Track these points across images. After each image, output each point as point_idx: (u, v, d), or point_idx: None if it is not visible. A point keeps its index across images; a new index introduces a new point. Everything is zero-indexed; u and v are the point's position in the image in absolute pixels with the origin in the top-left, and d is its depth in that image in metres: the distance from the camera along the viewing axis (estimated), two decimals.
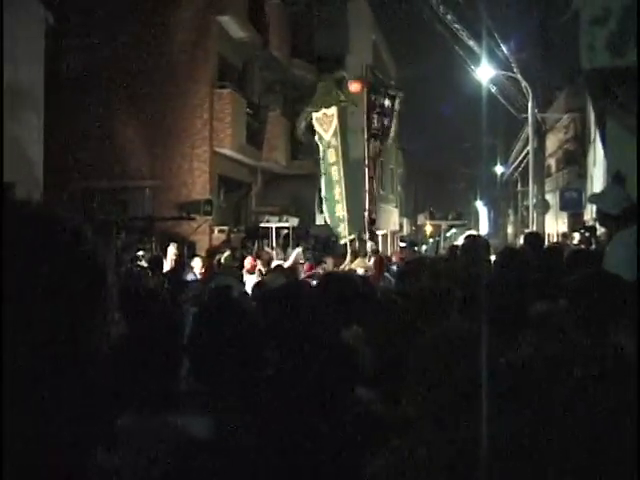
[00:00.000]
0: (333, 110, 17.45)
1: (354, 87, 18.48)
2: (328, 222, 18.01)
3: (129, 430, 2.22)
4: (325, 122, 17.54)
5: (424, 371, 2.52)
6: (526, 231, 29.89)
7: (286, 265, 14.86)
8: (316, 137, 17.86)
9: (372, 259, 15.40)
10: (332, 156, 17.50)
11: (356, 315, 4.43)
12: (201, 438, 2.36)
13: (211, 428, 2.44)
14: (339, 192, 17.39)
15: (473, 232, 32.29)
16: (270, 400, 2.88)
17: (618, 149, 11.26)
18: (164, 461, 2.18)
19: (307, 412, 2.88)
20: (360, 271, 14.40)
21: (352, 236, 17.37)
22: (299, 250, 17.42)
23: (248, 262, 13.82)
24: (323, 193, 17.96)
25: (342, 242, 17.78)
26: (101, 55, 22.80)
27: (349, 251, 16.69)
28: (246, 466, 2.42)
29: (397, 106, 18.74)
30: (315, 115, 17.75)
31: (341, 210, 17.39)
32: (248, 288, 12.57)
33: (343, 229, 17.44)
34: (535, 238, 9.44)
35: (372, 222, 20.43)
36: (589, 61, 10.69)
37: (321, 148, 17.73)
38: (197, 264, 13.68)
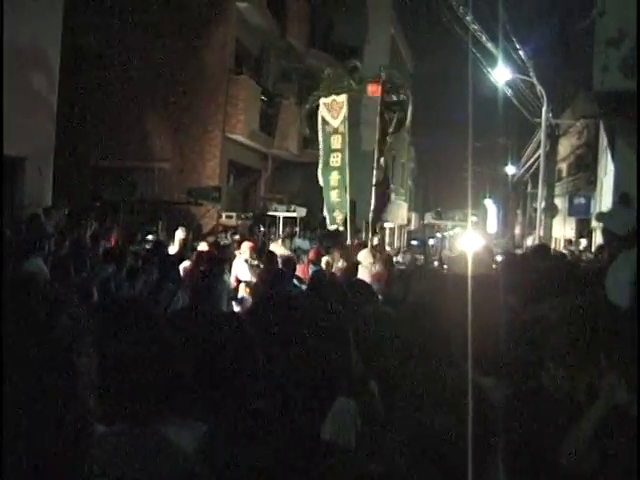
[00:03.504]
0: (343, 97, 17.43)
1: (372, 90, 18.26)
2: (324, 207, 17.91)
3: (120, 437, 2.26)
4: (334, 108, 17.50)
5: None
6: (533, 234, 29.90)
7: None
8: (319, 122, 17.77)
9: (377, 256, 15.29)
10: (337, 142, 17.46)
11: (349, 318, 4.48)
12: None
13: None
14: (336, 178, 17.35)
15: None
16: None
17: (627, 169, 11.20)
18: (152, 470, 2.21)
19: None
20: (366, 264, 14.38)
21: (340, 228, 17.31)
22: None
23: (246, 247, 13.49)
24: (320, 179, 17.82)
25: (331, 228, 17.81)
26: (118, 35, 22.91)
27: (348, 241, 16.68)
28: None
29: (409, 103, 18.54)
30: (323, 100, 17.66)
31: (336, 197, 17.37)
32: (243, 273, 12.60)
33: (337, 215, 17.44)
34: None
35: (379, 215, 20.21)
36: (602, 82, 10.67)
37: (322, 134, 17.67)
38: (202, 248, 13.76)
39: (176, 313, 3.34)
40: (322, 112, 17.63)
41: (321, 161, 17.70)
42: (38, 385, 1.51)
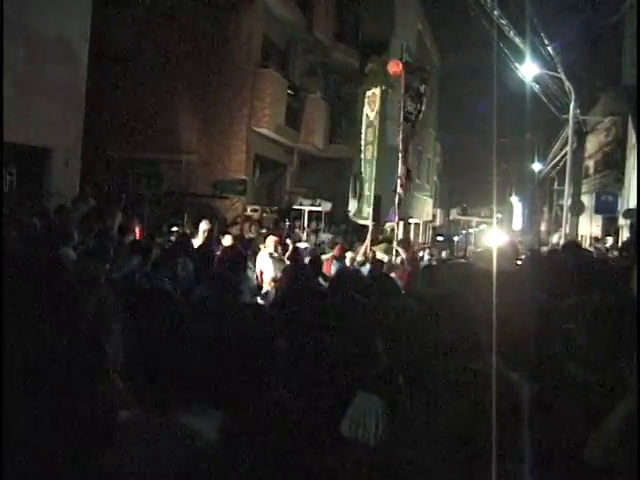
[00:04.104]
0: (378, 91, 17.58)
1: (393, 68, 18.27)
2: (354, 200, 17.98)
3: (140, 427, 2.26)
4: (372, 101, 17.67)
5: None
6: (559, 231, 29.73)
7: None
8: (363, 116, 17.93)
9: (402, 251, 15.24)
10: (370, 135, 17.61)
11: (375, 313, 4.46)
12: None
13: None
14: (369, 171, 17.43)
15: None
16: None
17: None
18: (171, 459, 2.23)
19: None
20: (383, 257, 14.36)
21: (368, 221, 17.25)
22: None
23: (270, 241, 13.42)
24: (362, 172, 17.94)
25: (360, 222, 17.86)
26: (146, 28, 23.00)
27: (369, 233, 16.68)
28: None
29: (427, 90, 18.49)
30: (367, 93, 17.87)
31: (367, 190, 17.42)
32: (267, 268, 12.59)
33: (364, 209, 17.46)
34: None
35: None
36: (631, 77, 10.58)
37: (364, 127, 17.81)
38: (226, 240, 13.79)
39: (200, 304, 3.34)
40: (366, 105, 17.83)
41: (362, 154, 17.86)
42: (68, 361, 1.53)
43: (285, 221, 23.81)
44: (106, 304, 1.62)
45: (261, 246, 13.74)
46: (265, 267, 12.56)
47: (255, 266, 12.53)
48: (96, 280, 1.71)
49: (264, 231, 19.19)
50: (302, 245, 15.97)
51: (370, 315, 4.59)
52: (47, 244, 8.98)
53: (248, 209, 22.85)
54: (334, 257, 14.28)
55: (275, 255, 12.94)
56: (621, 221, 24.58)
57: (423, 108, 17.89)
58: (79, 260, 8.96)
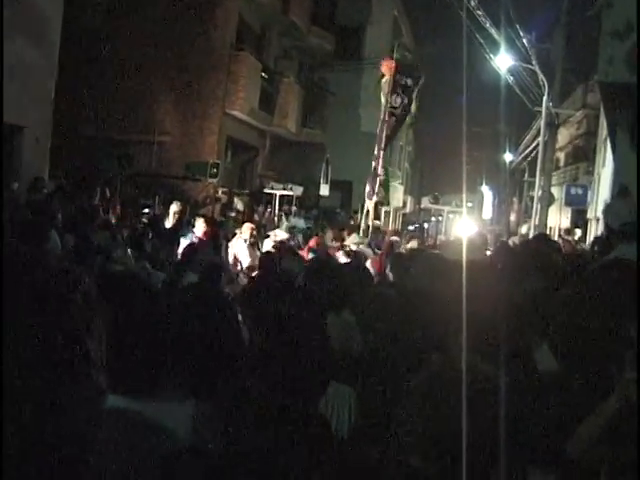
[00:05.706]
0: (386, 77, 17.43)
1: (386, 67, 18.12)
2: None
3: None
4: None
5: None
6: (528, 222, 29.92)
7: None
8: (382, 99, 17.75)
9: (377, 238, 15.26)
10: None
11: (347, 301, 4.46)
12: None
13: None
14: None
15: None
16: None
17: (626, 162, 11.08)
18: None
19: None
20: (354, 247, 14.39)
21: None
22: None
23: (247, 228, 13.39)
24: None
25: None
26: (120, 8, 22.79)
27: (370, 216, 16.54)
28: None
29: (417, 88, 18.40)
30: (384, 79, 17.68)
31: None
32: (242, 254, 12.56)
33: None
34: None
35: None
36: (606, 74, 10.59)
37: (382, 111, 17.58)
38: (199, 224, 13.74)
39: (186, 289, 3.32)
40: (383, 89, 17.64)
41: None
42: (52, 365, 1.51)
43: (267, 207, 23.87)
44: (88, 300, 1.60)
45: (237, 231, 13.72)
46: (239, 253, 12.55)
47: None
48: (80, 275, 1.68)
49: (233, 214, 19.14)
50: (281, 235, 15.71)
51: (342, 305, 4.59)
52: (30, 227, 8.73)
53: (219, 192, 22.78)
54: (310, 248, 14.29)
55: (250, 242, 12.94)
56: (590, 214, 24.80)
57: (406, 102, 17.81)
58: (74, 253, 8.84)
